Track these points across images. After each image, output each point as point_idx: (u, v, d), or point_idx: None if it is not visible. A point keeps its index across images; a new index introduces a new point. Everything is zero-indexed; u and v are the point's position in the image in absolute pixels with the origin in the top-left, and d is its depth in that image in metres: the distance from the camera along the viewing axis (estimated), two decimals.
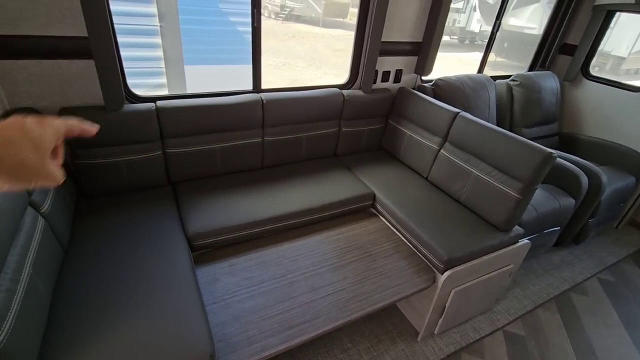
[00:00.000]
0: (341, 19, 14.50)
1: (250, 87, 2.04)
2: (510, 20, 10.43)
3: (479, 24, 12.28)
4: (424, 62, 2.33)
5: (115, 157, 1.64)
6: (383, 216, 1.95)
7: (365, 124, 2.33)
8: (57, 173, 0.38)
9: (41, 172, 0.36)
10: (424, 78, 2.51)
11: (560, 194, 2.18)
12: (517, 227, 1.79)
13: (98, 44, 1.40)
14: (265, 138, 2.01)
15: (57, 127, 0.39)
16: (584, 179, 2.19)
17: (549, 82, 2.87)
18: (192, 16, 3.01)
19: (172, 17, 2.26)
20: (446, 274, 1.55)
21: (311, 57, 9.92)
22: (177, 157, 1.80)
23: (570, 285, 2.26)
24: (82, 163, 1.59)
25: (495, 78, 2.81)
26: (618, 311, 2.10)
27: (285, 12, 14.14)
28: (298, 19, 14.29)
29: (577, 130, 3.05)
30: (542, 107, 2.84)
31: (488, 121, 2.58)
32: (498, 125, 2.71)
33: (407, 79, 2.45)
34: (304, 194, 1.88)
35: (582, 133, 3.01)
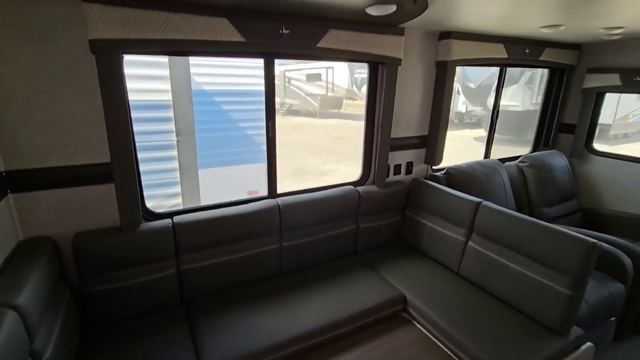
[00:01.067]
0: (336, 110, 15.75)
1: (264, 189, 2.04)
2: (493, 101, 11.30)
3: (465, 105, 13.31)
4: (433, 153, 2.38)
5: (126, 280, 1.54)
6: (419, 322, 1.74)
7: (383, 218, 2.27)
8: None
9: None
10: (434, 167, 2.54)
11: (606, 280, 1.99)
12: (575, 327, 1.57)
13: (120, 169, 1.42)
14: (284, 243, 1.92)
15: None
16: (627, 260, 2.03)
17: (558, 160, 2.89)
18: (206, 126, 3.23)
19: (189, 131, 2.42)
20: None
21: (312, 147, 10.44)
22: (192, 272, 1.69)
23: None
24: (92, 290, 1.48)
25: (502, 161, 2.85)
26: None
27: (285, 108, 15.42)
28: (297, 112, 15.53)
29: (598, 204, 2.97)
30: (557, 185, 2.81)
31: (507, 205, 2.53)
32: (517, 207, 2.65)
33: (419, 169, 2.48)
34: (328, 303, 1.71)
35: (604, 207, 2.92)
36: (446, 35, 2.13)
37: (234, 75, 3.47)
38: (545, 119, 3.13)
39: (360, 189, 2.17)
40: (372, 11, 1.43)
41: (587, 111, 2.91)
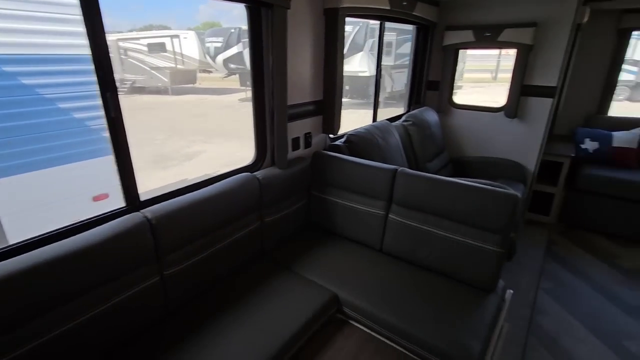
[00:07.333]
0: (191, 85, 14.18)
1: (119, 201, 1.34)
2: (346, 67, 12.07)
3: None
4: (331, 120, 2.08)
5: None
6: (357, 321, 1.48)
7: (289, 204, 1.88)
8: None
9: None
10: (332, 136, 2.26)
11: None
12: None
13: None
14: (165, 272, 1.32)
15: None
16: None
17: (432, 116, 3.05)
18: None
19: None
20: None
21: (170, 128, 9.12)
22: None
23: (530, 310, 2.21)
24: None
25: (390, 121, 2.81)
26: (575, 315, 2.12)
27: (126, 86, 12.99)
28: (143, 90, 13.31)
29: (462, 153, 3.31)
30: (434, 140, 2.96)
31: (404, 166, 2.50)
32: (409, 165, 2.67)
33: (317, 141, 2.15)
34: (248, 338, 1.25)
35: (467, 155, 3.28)
36: None
37: (32, 31, 2.31)
38: (415, 78, 3.24)
39: (258, 174, 1.70)
40: None
41: (448, 68, 3.12)
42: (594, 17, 3.02)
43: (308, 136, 2.05)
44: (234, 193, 1.53)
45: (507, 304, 1.55)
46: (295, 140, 1.98)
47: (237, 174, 1.65)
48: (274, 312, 1.38)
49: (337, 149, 2.11)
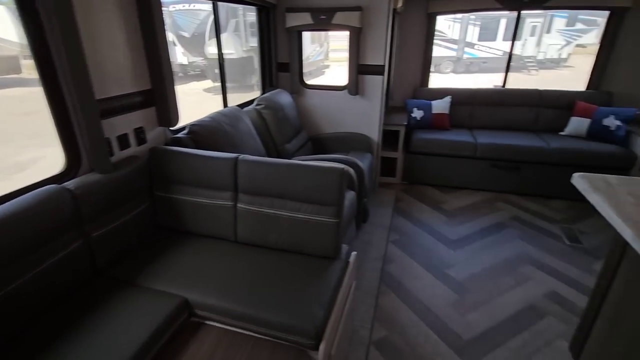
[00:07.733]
0: (15, 75, 11.17)
1: None
2: (211, 49, 11.33)
3: (185, 57, 12.59)
4: (167, 111, 1.89)
5: None
6: (212, 320, 1.44)
7: (126, 210, 1.67)
8: None
9: None
10: (172, 128, 2.08)
11: None
12: (342, 245, 1.76)
13: None
14: None
15: None
16: (351, 171, 2.50)
17: (285, 98, 3.11)
18: None
19: None
20: (322, 348, 1.29)
21: None
22: None
23: (382, 261, 2.57)
24: None
25: (241, 107, 2.75)
26: (413, 258, 2.56)
27: None
28: None
29: (319, 131, 3.52)
30: (290, 121, 3.05)
31: (258, 152, 2.50)
32: (266, 150, 2.69)
33: (155, 135, 1.94)
34: None
35: (323, 132, 3.50)
36: None
37: None
38: (265, 61, 3.23)
39: (71, 184, 1.43)
40: None
41: (295, 50, 3.20)
42: (407, 3, 3.51)
43: (140, 131, 1.83)
44: (28, 214, 1.24)
45: (352, 266, 1.74)
46: (123, 138, 1.74)
47: (38, 187, 1.35)
48: (110, 337, 1.22)
49: (179, 142, 1.96)
